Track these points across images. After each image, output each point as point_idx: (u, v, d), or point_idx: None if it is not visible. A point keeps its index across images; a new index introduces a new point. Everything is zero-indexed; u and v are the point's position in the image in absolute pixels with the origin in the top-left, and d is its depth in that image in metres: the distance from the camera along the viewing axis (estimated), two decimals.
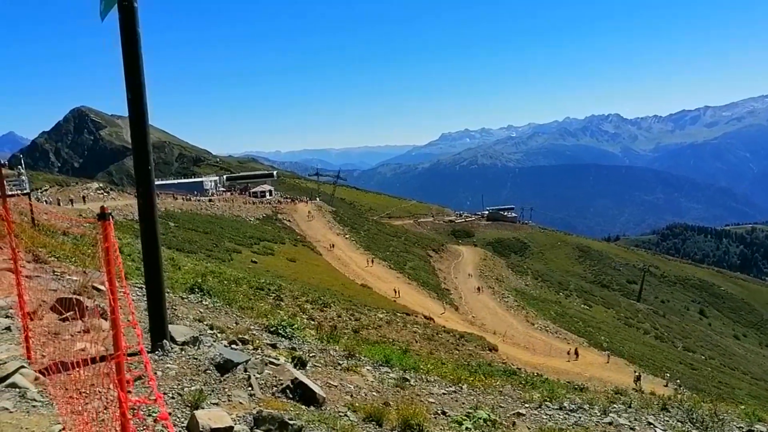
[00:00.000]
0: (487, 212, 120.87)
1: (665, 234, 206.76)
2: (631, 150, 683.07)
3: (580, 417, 8.53)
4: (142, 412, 3.92)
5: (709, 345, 65.57)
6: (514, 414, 7.87)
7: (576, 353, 40.48)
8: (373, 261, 61.69)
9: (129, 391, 2.60)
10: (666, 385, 33.61)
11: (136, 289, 9.32)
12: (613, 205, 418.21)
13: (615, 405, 10.31)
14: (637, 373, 35.68)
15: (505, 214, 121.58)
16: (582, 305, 67.50)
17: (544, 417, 8.16)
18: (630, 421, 8.92)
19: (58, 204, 49.33)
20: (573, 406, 9.22)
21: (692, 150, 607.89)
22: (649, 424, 9.07)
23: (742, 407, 12.40)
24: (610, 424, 8.49)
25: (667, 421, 9.63)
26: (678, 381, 35.72)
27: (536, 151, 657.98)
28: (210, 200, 77.44)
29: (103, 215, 2.44)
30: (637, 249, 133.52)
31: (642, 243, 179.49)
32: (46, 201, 49.35)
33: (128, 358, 5.02)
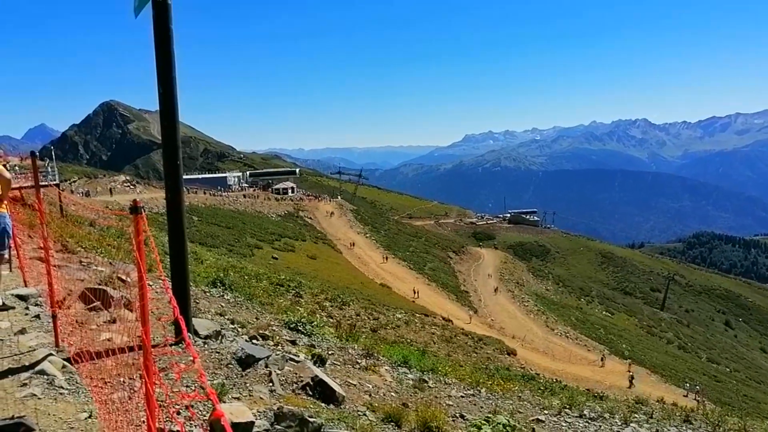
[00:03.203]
0: (509, 215, 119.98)
1: (691, 242, 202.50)
2: (659, 156, 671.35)
3: (600, 426, 8.41)
4: (173, 409, 3.97)
5: (735, 357, 64.03)
6: (533, 420, 7.80)
7: (602, 359, 40.28)
8: (387, 258, 61.79)
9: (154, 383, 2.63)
10: (686, 395, 33.10)
11: (160, 281, 9.45)
12: (638, 212, 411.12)
13: (636, 415, 10.15)
14: (630, 374, 35.75)
15: (528, 217, 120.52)
16: (604, 312, 66.53)
17: (564, 424, 8.06)
18: None
19: (86, 195, 50.37)
20: (593, 414, 9.10)
21: (721, 157, 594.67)
22: None
23: None
24: None
25: None
26: (697, 389, 35.21)
27: (561, 154, 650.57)
28: (245, 195, 78.68)
29: (135, 209, 2.48)
30: (661, 257, 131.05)
31: (667, 251, 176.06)
32: (81, 192, 50.38)
33: (170, 349, 5.12)
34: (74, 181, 57.28)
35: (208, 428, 3.91)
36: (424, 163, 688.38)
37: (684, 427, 9.80)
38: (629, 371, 36.58)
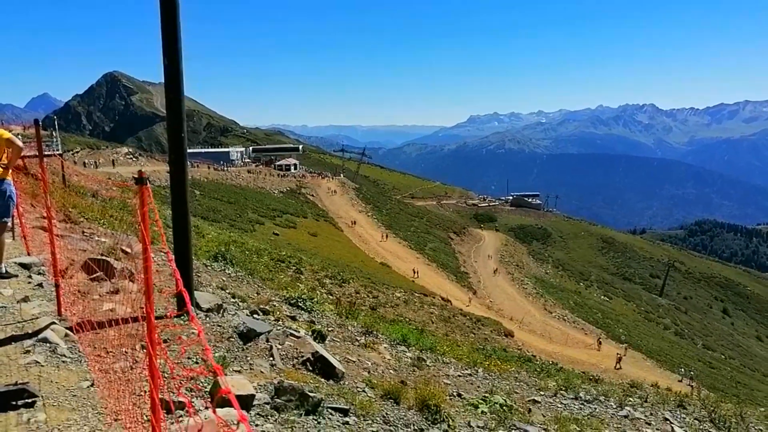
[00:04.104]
0: (511, 198, 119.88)
1: (693, 229, 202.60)
2: (665, 142, 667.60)
3: (595, 408, 8.50)
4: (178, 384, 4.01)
5: (730, 344, 64.50)
6: (529, 401, 7.87)
7: (599, 343, 40.69)
8: (387, 236, 61.86)
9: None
10: (680, 381, 33.44)
11: (162, 254, 9.48)
12: (641, 198, 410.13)
13: (631, 398, 10.24)
14: (618, 355, 36.51)
15: (530, 200, 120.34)
16: (602, 297, 66.83)
17: (559, 406, 8.14)
18: (646, 416, 8.86)
19: (84, 166, 50.30)
20: (588, 396, 9.19)
21: (728, 145, 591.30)
22: (666, 419, 8.99)
23: (762, 410, 12.21)
24: (626, 417, 8.44)
25: (684, 418, 9.54)
26: (691, 374, 35.59)
27: (566, 138, 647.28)
28: (248, 171, 78.57)
29: (140, 180, 2.47)
30: (662, 243, 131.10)
31: (668, 237, 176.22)
32: (84, 164, 50.23)
33: (173, 321, 5.15)
34: (77, 152, 57.09)
35: (209, 399, 3.95)
36: (428, 143, 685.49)
37: (678, 412, 9.90)
38: (618, 354, 37.03)
